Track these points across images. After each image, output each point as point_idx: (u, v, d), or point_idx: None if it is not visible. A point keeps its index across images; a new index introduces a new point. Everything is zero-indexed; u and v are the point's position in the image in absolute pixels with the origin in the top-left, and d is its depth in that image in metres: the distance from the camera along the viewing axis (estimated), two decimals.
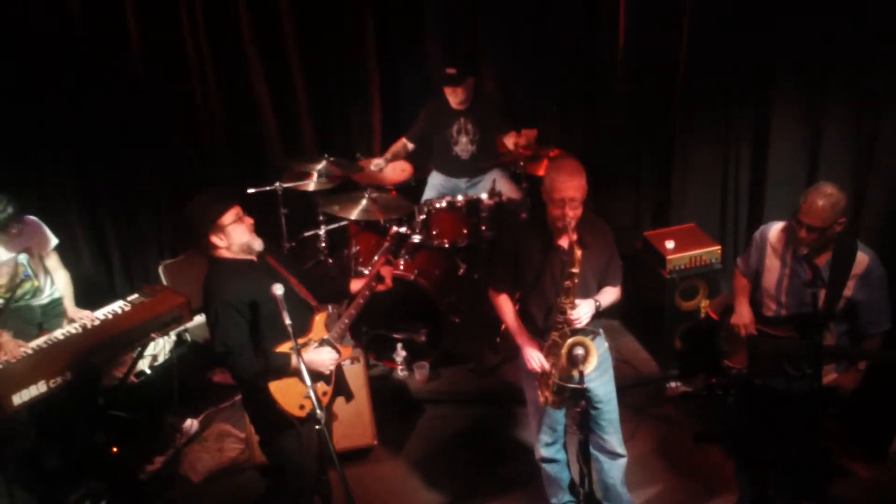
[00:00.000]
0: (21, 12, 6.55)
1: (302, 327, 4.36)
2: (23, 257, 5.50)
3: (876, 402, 5.09)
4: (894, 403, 5.34)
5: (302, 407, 4.24)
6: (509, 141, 6.92)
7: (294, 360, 4.10)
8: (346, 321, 4.61)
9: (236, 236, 4.19)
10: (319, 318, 4.46)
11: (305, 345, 4.33)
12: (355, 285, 4.80)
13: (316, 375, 4.34)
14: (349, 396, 4.78)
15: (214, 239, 4.18)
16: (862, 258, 4.20)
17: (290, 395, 4.23)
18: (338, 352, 4.46)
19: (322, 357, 4.37)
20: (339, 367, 4.56)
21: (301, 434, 4.32)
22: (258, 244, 4.27)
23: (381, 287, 4.72)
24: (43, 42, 6.66)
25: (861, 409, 4.54)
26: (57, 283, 5.76)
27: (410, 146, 7.20)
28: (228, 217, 4.17)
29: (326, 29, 7.49)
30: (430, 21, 7.52)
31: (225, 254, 4.23)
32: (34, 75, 6.66)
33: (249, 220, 4.27)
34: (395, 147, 7.21)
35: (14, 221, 5.27)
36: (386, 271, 4.73)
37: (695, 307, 6.28)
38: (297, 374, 4.08)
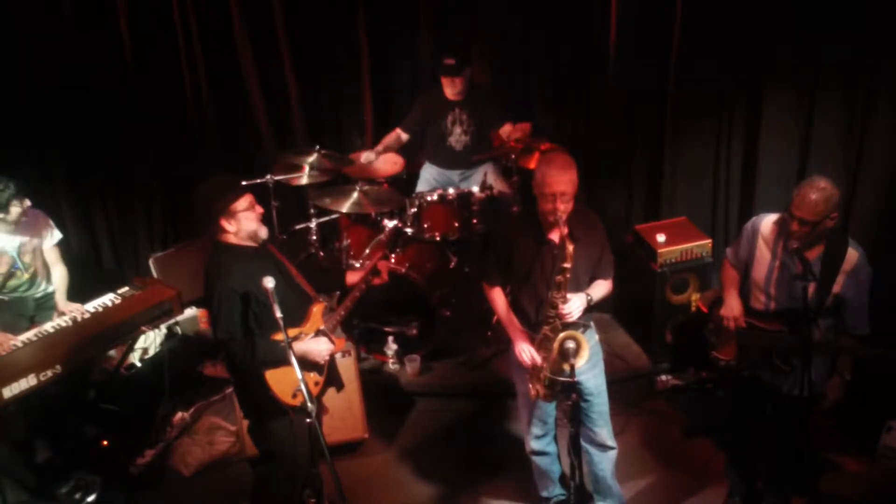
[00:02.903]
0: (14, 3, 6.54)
1: (300, 317, 4.39)
2: (13, 250, 5.49)
3: (864, 397, 5.11)
4: (882, 398, 5.37)
5: (295, 395, 4.25)
6: (504, 132, 6.91)
7: (295, 347, 4.13)
8: (342, 313, 4.66)
9: (246, 223, 4.22)
10: (317, 309, 4.48)
11: (299, 336, 4.35)
12: (351, 278, 4.85)
13: (310, 365, 4.37)
14: (340, 387, 4.79)
15: (224, 223, 4.19)
16: (852, 254, 4.20)
17: (284, 383, 4.25)
18: (332, 343, 4.48)
19: (319, 347, 4.40)
20: (331, 359, 4.58)
21: (293, 422, 4.33)
22: (264, 233, 4.31)
23: (376, 280, 4.76)
24: (33, 31, 6.64)
25: (849, 403, 4.55)
26: (53, 277, 5.74)
27: (405, 137, 7.16)
28: (242, 203, 4.20)
29: (318, 21, 7.46)
30: (423, 13, 7.50)
31: (231, 239, 4.25)
32: (23, 66, 6.64)
33: (260, 210, 4.30)
34: (388, 139, 7.18)
35: (16, 202, 5.27)
36: (382, 265, 4.77)
37: (686, 301, 6.29)
38: (290, 363, 4.08)
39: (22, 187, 5.32)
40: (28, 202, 5.38)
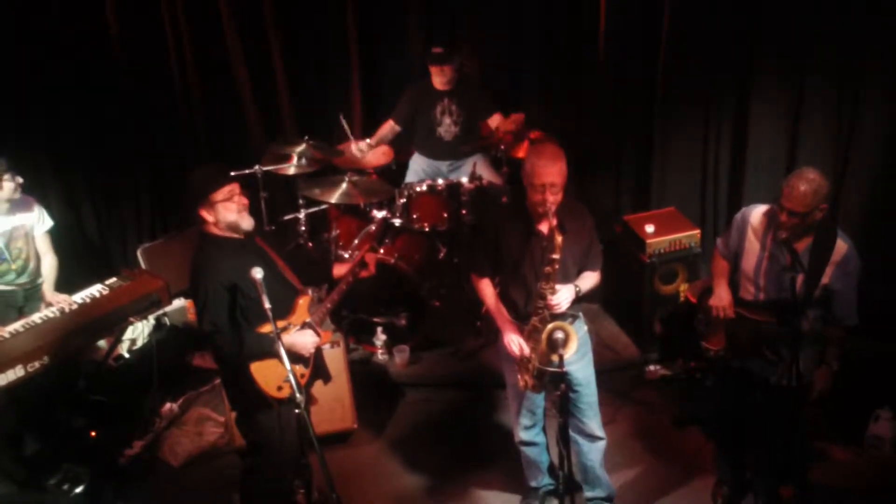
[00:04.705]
0: None
1: (286, 309, 4.39)
2: (3, 235, 5.45)
3: (852, 387, 5.13)
4: (870, 388, 5.40)
5: (280, 388, 4.26)
6: (493, 122, 6.90)
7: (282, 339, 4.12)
8: (328, 305, 4.65)
9: (225, 214, 4.19)
10: (303, 302, 4.47)
11: (286, 328, 4.33)
12: (338, 270, 4.86)
13: (295, 357, 4.35)
14: (327, 379, 4.79)
15: (204, 213, 4.19)
16: (841, 246, 4.21)
17: (269, 376, 4.25)
18: (318, 335, 4.47)
19: (305, 340, 4.39)
20: (318, 350, 4.58)
21: (280, 413, 4.33)
22: (247, 224, 4.27)
23: (364, 273, 4.76)
24: (19, 19, 6.60)
25: (837, 393, 4.57)
26: (42, 266, 5.71)
27: (398, 128, 7.14)
28: (221, 194, 4.17)
29: (307, 10, 7.44)
30: (412, 3, 7.48)
31: (214, 230, 4.24)
32: (8, 55, 6.60)
33: (244, 201, 4.27)
34: (382, 131, 7.14)
35: (7, 176, 5.26)
36: (370, 258, 4.77)
37: (674, 291, 6.30)
38: (278, 356, 4.08)
39: (13, 165, 5.30)
40: (20, 179, 5.36)
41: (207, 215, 4.20)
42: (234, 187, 4.23)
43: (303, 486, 4.87)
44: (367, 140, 7.10)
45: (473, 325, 6.66)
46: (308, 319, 4.47)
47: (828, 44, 5.78)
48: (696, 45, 6.36)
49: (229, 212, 4.20)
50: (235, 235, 4.28)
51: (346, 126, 6.94)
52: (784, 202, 4.13)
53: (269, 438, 4.43)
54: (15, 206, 5.47)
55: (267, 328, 4.10)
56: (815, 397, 4.48)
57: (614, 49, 6.76)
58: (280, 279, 4.40)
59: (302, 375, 4.46)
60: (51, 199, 7.04)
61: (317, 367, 4.62)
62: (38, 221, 5.66)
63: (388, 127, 7.14)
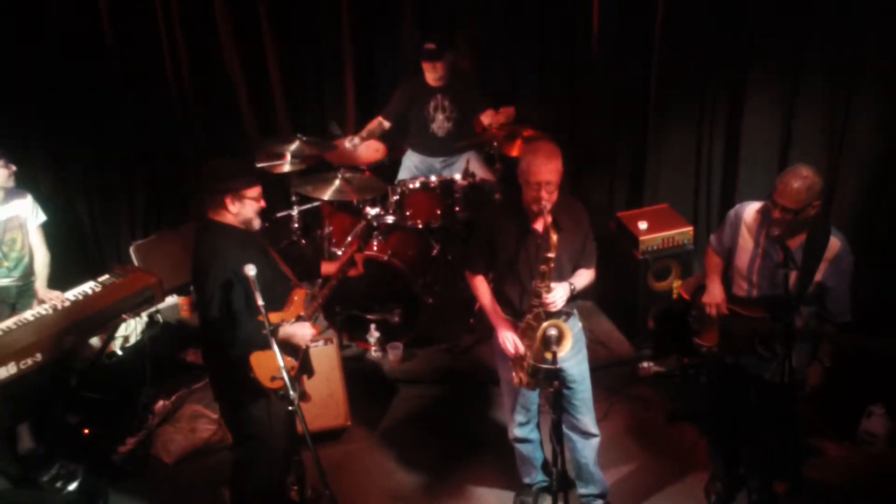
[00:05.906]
0: None
1: (283, 303, 4.41)
2: None
3: (845, 384, 5.14)
4: (862, 384, 5.41)
5: (273, 379, 4.25)
6: (486, 119, 6.90)
7: (279, 332, 4.18)
8: (319, 301, 4.71)
9: (249, 209, 4.28)
10: (298, 297, 4.48)
11: (280, 323, 4.34)
12: (325, 268, 4.91)
13: (289, 349, 4.36)
14: (311, 373, 4.80)
15: (229, 202, 4.23)
16: (834, 243, 4.22)
17: (265, 367, 4.24)
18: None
19: (304, 331, 4.41)
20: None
21: (271, 403, 4.34)
22: (257, 224, 4.37)
23: (352, 272, 4.81)
24: (13, 14, 6.56)
25: (830, 389, 4.59)
26: (35, 261, 5.69)
27: (387, 124, 7.15)
28: (254, 192, 4.27)
29: (301, 6, 7.43)
30: (408, 1, 7.47)
31: (227, 219, 4.28)
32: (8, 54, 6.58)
33: (264, 203, 4.36)
34: (371, 125, 7.16)
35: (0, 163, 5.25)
36: (358, 256, 4.82)
37: (667, 288, 6.31)
38: (273, 349, 4.09)
39: (4, 153, 5.29)
40: (14, 167, 5.34)
41: (231, 206, 4.24)
42: (261, 189, 4.33)
43: (296, 482, 4.87)
44: (359, 133, 7.09)
45: (467, 321, 6.67)
46: (302, 314, 4.48)
47: (822, 42, 5.78)
48: (690, 43, 6.37)
49: (252, 210, 4.30)
50: (243, 227, 4.32)
51: (337, 130, 6.95)
52: (777, 199, 4.14)
53: (260, 430, 4.44)
54: (8, 195, 5.46)
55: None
56: (809, 393, 4.49)
57: (609, 48, 6.76)
58: (279, 273, 4.46)
59: (292, 368, 4.47)
60: (45, 195, 7.00)
61: (303, 361, 4.63)
62: (32, 214, 5.64)
63: (377, 122, 7.14)
